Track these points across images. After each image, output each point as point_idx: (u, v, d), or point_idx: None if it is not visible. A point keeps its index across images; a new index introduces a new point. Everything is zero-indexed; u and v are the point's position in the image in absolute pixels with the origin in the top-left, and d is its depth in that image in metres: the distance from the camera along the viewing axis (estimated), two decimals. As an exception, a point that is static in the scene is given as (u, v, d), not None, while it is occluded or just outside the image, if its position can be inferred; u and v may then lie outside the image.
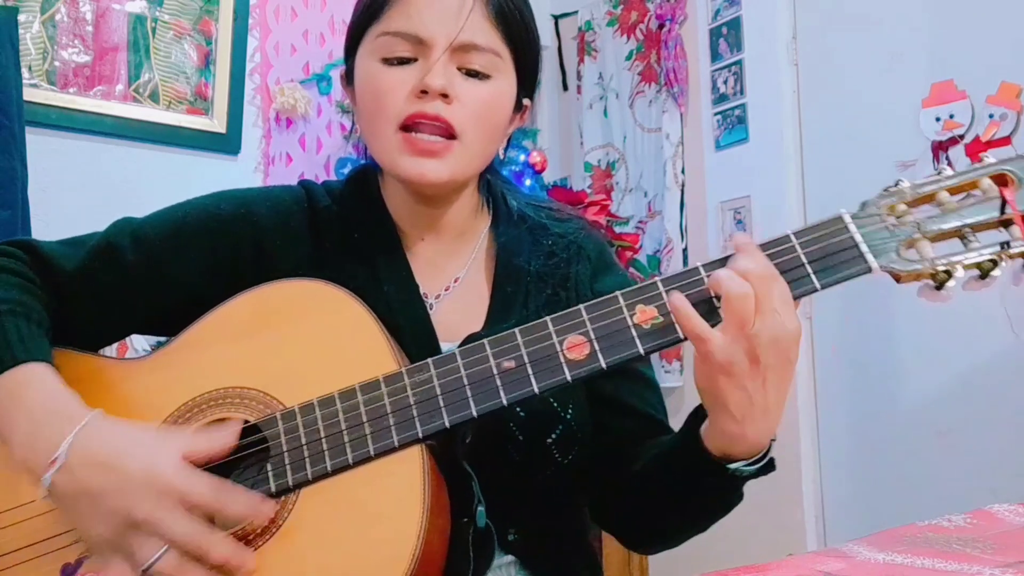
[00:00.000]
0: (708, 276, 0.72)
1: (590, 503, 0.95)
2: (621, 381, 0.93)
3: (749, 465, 0.74)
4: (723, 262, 0.72)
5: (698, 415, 0.77)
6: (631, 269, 2.70)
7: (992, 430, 2.05)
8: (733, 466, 0.74)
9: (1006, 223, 0.70)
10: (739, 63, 2.65)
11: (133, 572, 0.70)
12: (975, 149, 2.11)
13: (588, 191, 2.95)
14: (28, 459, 0.73)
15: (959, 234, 0.71)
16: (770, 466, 0.76)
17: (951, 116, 2.16)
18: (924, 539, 0.71)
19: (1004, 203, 0.69)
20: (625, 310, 0.73)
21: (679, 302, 0.70)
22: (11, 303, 0.80)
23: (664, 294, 0.73)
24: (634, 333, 0.72)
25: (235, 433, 0.75)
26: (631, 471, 0.87)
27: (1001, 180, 0.71)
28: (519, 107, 0.94)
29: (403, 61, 0.85)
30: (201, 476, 0.71)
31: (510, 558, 0.86)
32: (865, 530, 0.77)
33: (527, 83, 0.93)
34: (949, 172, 0.72)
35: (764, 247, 0.72)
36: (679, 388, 2.69)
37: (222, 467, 0.77)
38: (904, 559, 0.65)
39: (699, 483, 0.77)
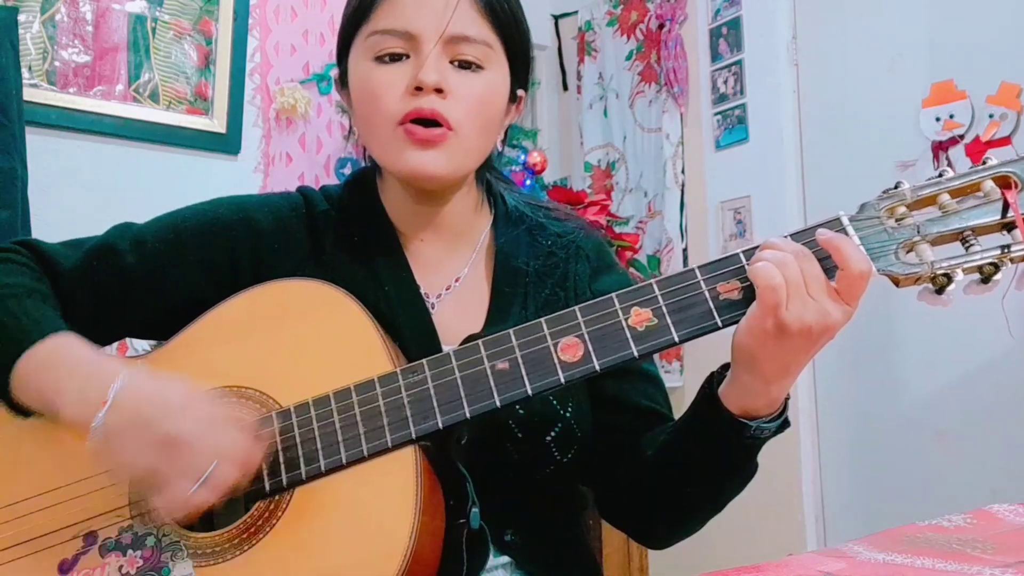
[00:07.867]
0: (704, 280, 0.72)
1: (600, 502, 0.95)
2: (623, 378, 0.92)
3: (769, 423, 0.76)
4: (716, 265, 0.73)
5: (712, 383, 0.78)
6: (631, 269, 2.70)
7: (992, 430, 2.05)
8: (754, 423, 0.75)
9: (1008, 226, 0.68)
10: (739, 63, 2.65)
11: (183, 499, 0.71)
12: (975, 149, 2.11)
13: (588, 191, 2.95)
14: (80, 411, 0.75)
15: (960, 237, 0.69)
16: (786, 424, 0.78)
17: (951, 116, 2.16)
18: (924, 539, 0.71)
19: (1006, 206, 0.68)
20: (620, 312, 0.73)
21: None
22: (27, 288, 0.83)
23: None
24: (628, 335, 0.72)
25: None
26: (643, 458, 0.87)
27: (1004, 182, 0.69)
28: (514, 99, 0.93)
29: (395, 58, 0.85)
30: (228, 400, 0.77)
31: (505, 559, 0.86)
32: (865, 530, 0.77)
33: (520, 74, 0.92)
34: (951, 174, 0.71)
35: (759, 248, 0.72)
36: (679, 388, 2.69)
37: None
38: (904, 559, 0.65)
39: (720, 446, 0.78)
